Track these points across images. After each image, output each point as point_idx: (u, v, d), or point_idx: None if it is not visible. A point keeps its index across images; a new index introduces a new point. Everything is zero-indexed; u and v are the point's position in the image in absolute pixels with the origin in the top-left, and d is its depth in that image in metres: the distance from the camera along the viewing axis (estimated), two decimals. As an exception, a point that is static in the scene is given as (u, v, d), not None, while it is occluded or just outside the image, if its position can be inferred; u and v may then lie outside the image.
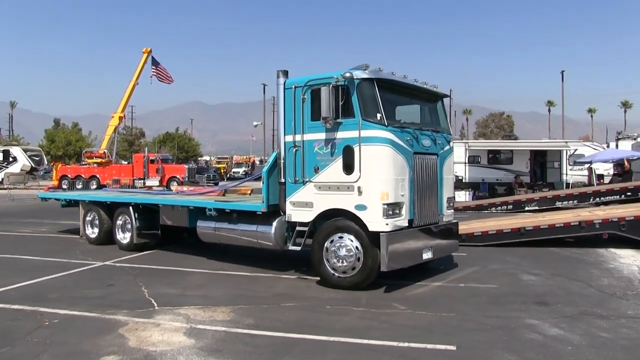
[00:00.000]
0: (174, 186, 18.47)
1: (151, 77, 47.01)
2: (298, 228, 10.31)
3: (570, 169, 31.72)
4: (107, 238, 14.49)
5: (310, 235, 10.16)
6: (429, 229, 10.23)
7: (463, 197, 28.75)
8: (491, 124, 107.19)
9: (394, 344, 6.72)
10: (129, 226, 13.78)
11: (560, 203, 23.32)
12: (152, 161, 43.19)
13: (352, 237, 9.51)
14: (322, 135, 9.83)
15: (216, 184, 45.37)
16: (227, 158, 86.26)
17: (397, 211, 9.39)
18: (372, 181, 9.28)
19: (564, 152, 32.13)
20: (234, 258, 12.52)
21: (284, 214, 10.50)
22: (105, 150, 45.77)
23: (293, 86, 10.25)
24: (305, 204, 10.10)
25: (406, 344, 6.69)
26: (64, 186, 42.77)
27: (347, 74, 9.35)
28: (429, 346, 6.64)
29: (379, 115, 9.36)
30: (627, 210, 15.58)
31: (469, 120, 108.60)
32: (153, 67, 47.01)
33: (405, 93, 10.64)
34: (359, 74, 9.45)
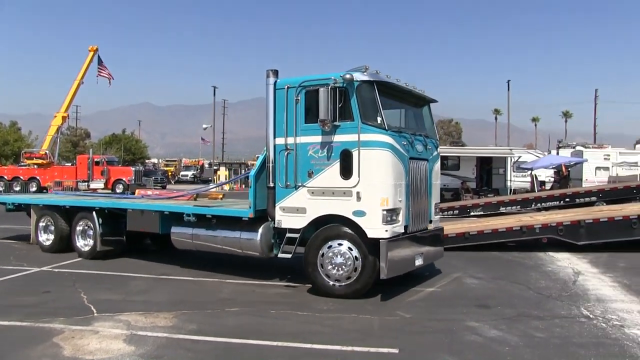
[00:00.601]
0: (138, 190, 17.38)
1: (97, 76, 45.86)
2: (288, 235, 9.79)
3: (514, 176, 32.55)
4: (64, 245, 13.57)
5: (301, 243, 9.73)
6: (420, 235, 10.13)
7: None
8: (440, 130, 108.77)
9: (338, 348, 6.74)
10: (91, 232, 12.97)
11: (504, 208, 23.85)
12: (97, 163, 42.22)
13: (348, 243, 9.20)
14: (317, 139, 9.45)
15: (164, 187, 44.73)
16: (175, 161, 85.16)
17: (395, 217, 9.18)
18: (371, 186, 9.01)
19: (509, 159, 32.93)
20: (180, 262, 12.35)
21: (272, 219, 10.02)
22: (47, 151, 44.13)
23: (286, 87, 9.80)
24: (297, 210, 9.65)
25: (350, 348, 6.73)
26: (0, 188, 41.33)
27: (347, 76, 9.04)
28: (372, 350, 6.70)
29: (379, 119, 9.13)
30: (565, 215, 16.17)
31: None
32: (99, 66, 45.88)
33: (400, 97, 10.37)
34: (359, 76, 9.15)
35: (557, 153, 40.42)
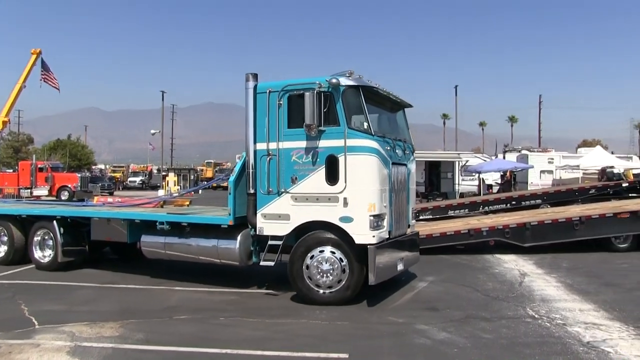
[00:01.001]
0: (97, 197, 16.56)
1: (41, 80, 44.45)
2: (270, 242, 9.55)
3: (462, 179, 33.17)
4: (18, 257, 12.79)
5: (284, 250, 9.52)
6: (401, 240, 10.09)
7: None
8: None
9: (288, 354, 6.71)
10: (50, 243, 12.22)
11: (453, 212, 24.23)
12: (41, 169, 40.91)
13: (334, 250, 9.08)
14: (301, 144, 9.28)
15: (111, 194, 43.64)
16: (123, 167, 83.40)
17: (381, 223, 9.15)
18: (358, 192, 8.92)
19: (457, 163, 33.54)
20: (129, 270, 12.12)
21: (253, 227, 9.77)
22: (-14, 157, 42.58)
23: (267, 90, 9.58)
24: (280, 216, 9.43)
25: (300, 354, 6.71)
26: None
27: (334, 80, 8.94)
28: (323, 355, 6.70)
29: (365, 124, 9.12)
30: (512, 218, 16.55)
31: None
32: (43, 70, 44.47)
33: (380, 102, 10.25)
34: (345, 81, 9.09)
35: (504, 157, 41.39)
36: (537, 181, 32.21)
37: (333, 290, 9.12)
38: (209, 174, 74.11)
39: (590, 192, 25.50)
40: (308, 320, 8.25)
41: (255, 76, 9.88)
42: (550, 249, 14.58)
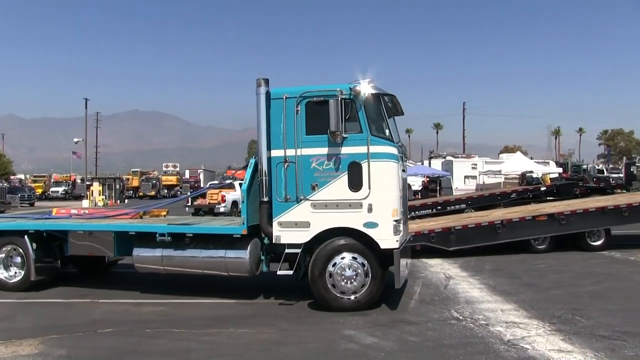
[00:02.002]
0: (57, 209, 15.06)
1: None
2: (288, 250, 9.32)
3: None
4: None
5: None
6: (406, 245, 10.11)
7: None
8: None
9: (213, 364, 6.62)
10: (18, 260, 11.04)
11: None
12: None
13: (356, 255, 9.11)
14: (321, 150, 9.23)
15: (31, 204, 41.88)
16: (45, 176, 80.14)
17: (401, 228, 9.33)
18: (383, 198, 9.04)
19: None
20: (51, 283, 11.51)
21: (267, 235, 9.56)
22: None
23: (283, 97, 9.42)
24: (298, 224, 9.26)
25: (225, 364, 6.64)
26: None
27: (357, 88, 9.08)
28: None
29: (387, 132, 9.34)
30: (437, 223, 16.98)
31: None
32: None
33: (389, 110, 10.17)
34: (368, 89, 9.17)
35: (430, 163, 42.45)
36: (462, 186, 33.17)
37: (358, 295, 9.15)
38: (135, 183, 72.42)
39: (512, 196, 26.56)
40: (235, 329, 8.17)
41: (267, 81, 9.71)
42: (475, 252, 15.04)
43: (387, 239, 9.03)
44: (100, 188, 49.12)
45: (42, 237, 11.12)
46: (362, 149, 9.10)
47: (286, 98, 9.42)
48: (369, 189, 9.06)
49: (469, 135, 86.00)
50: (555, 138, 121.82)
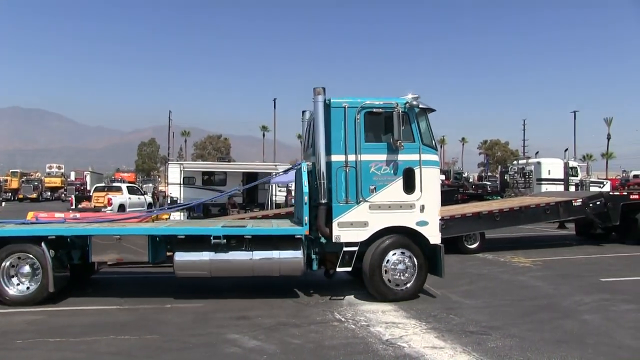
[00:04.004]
0: (32, 213, 12.86)
1: None
2: (345, 249, 10.13)
3: (279, 190, 33.83)
4: None
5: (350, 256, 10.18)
6: None
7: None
8: (209, 146, 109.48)
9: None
10: (26, 270, 9.89)
11: (270, 223, 24.54)
12: None
13: (405, 251, 10.22)
14: (380, 157, 10.26)
15: None
16: None
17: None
18: (432, 199, 10.42)
19: (274, 174, 34.12)
20: None
21: (323, 235, 10.23)
22: None
23: (344, 106, 10.27)
24: (356, 224, 10.15)
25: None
26: None
27: (414, 102, 10.33)
28: (128, 371, 6.48)
29: (434, 142, 10.68)
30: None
31: (188, 142, 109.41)
32: None
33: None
34: (419, 103, 10.41)
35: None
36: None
37: (408, 286, 10.24)
38: (15, 184, 68.09)
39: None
40: (115, 336, 7.92)
41: (324, 90, 10.41)
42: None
43: (435, 235, 10.43)
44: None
45: (61, 244, 10.21)
46: (414, 157, 10.36)
47: (346, 107, 10.32)
48: (421, 191, 10.33)
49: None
50: (440, 147, 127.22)
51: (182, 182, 32.39)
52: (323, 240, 10.41)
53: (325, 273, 11.30)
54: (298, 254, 10.15)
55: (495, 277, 11.87)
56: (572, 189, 30.90)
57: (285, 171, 14.47)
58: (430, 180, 10.49)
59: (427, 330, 8.30)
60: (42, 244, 9.85)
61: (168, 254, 10.44)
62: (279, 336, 7.97)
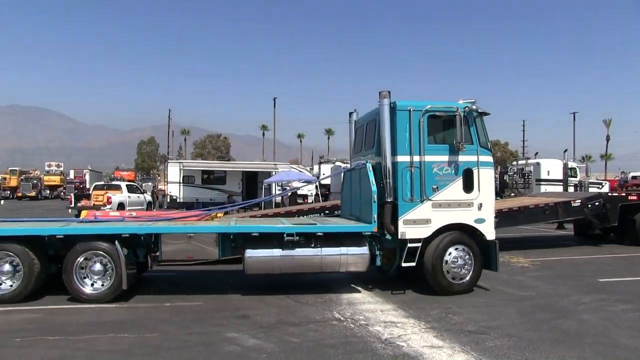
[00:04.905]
0: (86, 212, 12.88)
1: None
2: (410, 245, 10.61)
3: (279, 189, 33.90)
4: (32, 290, 10.01)
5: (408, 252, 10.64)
6: None
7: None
8: (208, 145, 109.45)
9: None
10: (97, 268, 9.98)
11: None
12: None
13: (462, 246, 10.79)
14: (442, 158, 10.84)
15: None
16: None
17: None
18: (488, 198, 11.03)
19: (274, 173, 34.22)
20: None
21: (389, 232, 10.69)
22: None
23: (409, 109, 10.77)
24: (420, 221, 10.66)
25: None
26: None
27: (474, 107, 10.94)
28: (127, 369, 6.50)
29: (489, 144, 11.32)
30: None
31: (187, 141, 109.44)
32: None
33: None
34: (477, 108, 11.03)
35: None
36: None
37: (465, 280, 10.84)
38: (13, 182, 68.08)
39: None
40: (115, 334, 7.94)
41: (389, 93, 10.82)
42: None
43: (491, 232, 11.04)
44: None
45: (128, 242, 10.33)
46: (473, 158, 10.97)
47: (412, 111, 10.81)
48: (479, 190, 10.92)
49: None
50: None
51: (181, 181, 32.45)
52: (388, 236, 10.86)
53: (378, 269, 11.43)
54: (365, 250, 10.65)
55: (493, 277, 11.85)
56: (571, 189, 30.98)
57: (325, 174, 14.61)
58: (487, 180, 11.09)
59: (426, 329, 8.33)
60: (116, 241, 10.04)
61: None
62: (278, 335, 7.99)
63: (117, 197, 30.29)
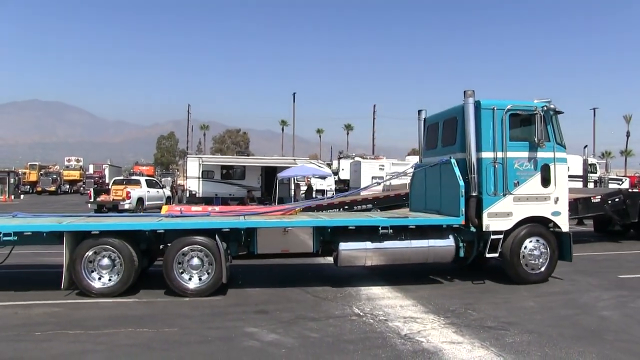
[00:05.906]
0: (168, 207, 13.19)
1: None
2: (493, 237, 11.19)
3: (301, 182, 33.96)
4: (130, 284, 10.18)
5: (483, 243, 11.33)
6: None
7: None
8: (228, 140, 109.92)
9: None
10: (195, 262, 10.17)
11: (288, 217, 24.63)
12: None
13: (539, 238, 11.37)
14: (521, 154, 11.41)
15: None
16: None
17: None
18: (563, 192, 11.62)
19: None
20: None
21: (473, 225, 11.21)
22: None
23: (493, 108, 11.34)
24: (502, 214, 11.23)
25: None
26: None
27: (552, 106, 11.44)
28: (147, 364, 6.54)
29: (563, 141, 11.73)
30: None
31: (206, 136, 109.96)
32: None
33: None
34: (554, 107, 11.50)
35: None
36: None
37: (542, 270, 11.41)
38: (33, 177, 68.90)
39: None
40: (134, 329, 8.01)
41: (474, 92, 11.35)
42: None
43: (565, 224, 11.62)
44: (-6, 184, 46.49)
45: (225, 237, 10.52)
46: (550, 154, 11.51)
47: (495, 109, 11.36)
48: (555, 185, 11.49)
49: (380, 137, 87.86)
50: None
51: (200, 176, 32.58)
52: (472, 229, 11.32)
53: (454, 260, 11.63)
54: (451, 242, 11.19)
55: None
56: (591, 185, 30.62)
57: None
58: (562, 175, 11.64)
59: (445, 325, 8.30)
60: (216, 236, 10.24)
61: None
62: (298, 330, 8.01)
63: (136, 192, 30.52)
